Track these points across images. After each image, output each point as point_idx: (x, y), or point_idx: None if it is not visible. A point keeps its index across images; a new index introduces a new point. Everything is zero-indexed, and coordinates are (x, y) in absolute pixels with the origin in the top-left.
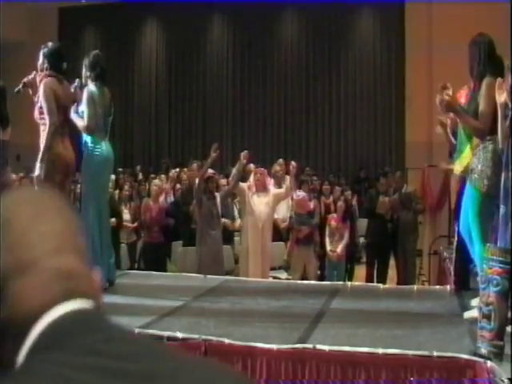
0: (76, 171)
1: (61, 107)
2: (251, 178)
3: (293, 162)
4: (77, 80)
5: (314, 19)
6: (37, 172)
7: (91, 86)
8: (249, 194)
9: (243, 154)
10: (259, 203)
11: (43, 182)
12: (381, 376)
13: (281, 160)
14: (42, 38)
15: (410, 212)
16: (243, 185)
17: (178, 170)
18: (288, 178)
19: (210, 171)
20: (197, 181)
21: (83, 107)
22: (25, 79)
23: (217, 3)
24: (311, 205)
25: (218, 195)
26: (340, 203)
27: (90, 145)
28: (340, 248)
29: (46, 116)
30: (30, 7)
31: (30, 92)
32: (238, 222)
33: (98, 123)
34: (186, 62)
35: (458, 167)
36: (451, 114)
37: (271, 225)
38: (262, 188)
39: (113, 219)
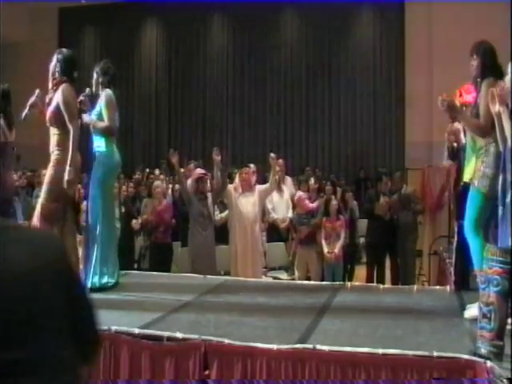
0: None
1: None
2: (237, 178)
3: (272, 154)
4: (87, 89)
5: (313, 19)
6: (67, 176)
7: (109, 91)
8: (235, 196)
9: (214, 153)
10: (246, 204)
11: (56, 184)
12: (381, 376)
13: (280, 160)
14: (42, 38)
15: (410, 212)
16: (229, 187)
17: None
18: (287, 177)
19: (201, 171)
20: (189, 181)
21: (103, 109)
22: (29, 102)
23: (217, 3)
24: (311, 205)
25: (209, 195)
26: (334, 202)
27: (105, 147)
28: (337, 248)
29: (68, 123)
30: (30, 7)
31: (37, 111)
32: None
33: (116, 126)
34: (186, 61)
35: (466, 175)
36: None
37: (260, 224)
38: (248, 188)
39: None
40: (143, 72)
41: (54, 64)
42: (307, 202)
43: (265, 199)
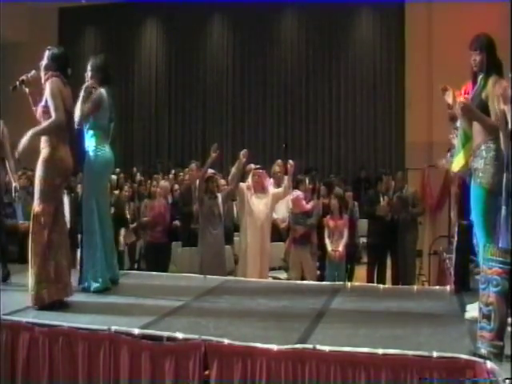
0: (76, 173)
1: (64, 110)
2: (250, 178)
3: (290, 161)
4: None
5: (314, 19)
6: (25, 139)
7: (101, 89)
8: (248, 195)
9: (243, 153)
10: (258, 203)
11: (44, 184)
12: (381, 376)
13: (279, 161)
14: (42, 38)
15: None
16: (242, 185)
17: (173, 171)
18: (286, 177)
19: (211, 171)
20: (197, 181)
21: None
22: (23, 76)
23: (217, 3)
24: (307, 206)
25: (219, 195)
26: (333, 201)
27: (94, 147)
28: (341, 246)
29: (52, 113)
30: (30, 7)
31: (27, 90)
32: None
33: (103, 125)
34: (186, 62)
35: (455, 166)
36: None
37: (270, 225)
38: (260, 189)
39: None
40: (143, 72)
41: (45, 61)
42: (304, 202)
43: (277, 202)
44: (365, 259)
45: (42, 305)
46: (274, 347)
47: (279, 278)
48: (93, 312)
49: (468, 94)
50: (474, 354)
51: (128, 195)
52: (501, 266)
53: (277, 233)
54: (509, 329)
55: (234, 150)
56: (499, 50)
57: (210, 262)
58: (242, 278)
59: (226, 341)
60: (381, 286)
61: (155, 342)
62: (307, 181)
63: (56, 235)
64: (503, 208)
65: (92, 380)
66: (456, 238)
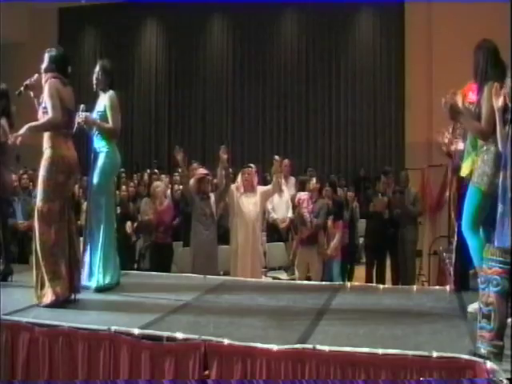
0: (80, 173)
1: (64, 109)
2: (239, 178)
3: (276, 157)
4: (82, 106)
5: (313, 19)
6: (22, 131)
7: (113, 92)
8: (237, 195)
9: (222, 151)
10: (248, 203)
11: (48, 183)
12: (380, 376)
13: (286, 160)
14: (42, 38)
15: (409, 212)
16: (231, 186)
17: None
18: (291, 178)
19: (203, 171)
20: (191, 181)
21: (108, 111)
22: (27, 81)
23: (217, 3)
24: (306, 215)
25: (212, 195)
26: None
27: (106, 149)
28: (330, 248)
29: (49, 112)
30: (30, 7)
31: (32, 94)
32: None
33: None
34: (186, 61)
35: (464, 170)
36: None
37: (261, 224)
38: (250, 188)
39: None
40: (143, 72)
41: (44, 64)
42: (306, 212)
43: (266, 200)
44: (364, 259)
45: (57, 300)
46: (274, 347)
47: (279, 278)
48: (93, 312)
49: (466, 96)
50: (474, 354)
51: (128, 195)
52: (501, 265)
53: (277, 233)
54: (509, 328)
55: (233, 150)
56: (499, 50)
57: (201, 262)
58: (242, 278)
59: (226, 341)
60: (380, 285)
61: (155, 341)
62: (314, 180)
63: (64, 232)
64: (499, 206)
65: (92, 380)
66: (456, 238)
